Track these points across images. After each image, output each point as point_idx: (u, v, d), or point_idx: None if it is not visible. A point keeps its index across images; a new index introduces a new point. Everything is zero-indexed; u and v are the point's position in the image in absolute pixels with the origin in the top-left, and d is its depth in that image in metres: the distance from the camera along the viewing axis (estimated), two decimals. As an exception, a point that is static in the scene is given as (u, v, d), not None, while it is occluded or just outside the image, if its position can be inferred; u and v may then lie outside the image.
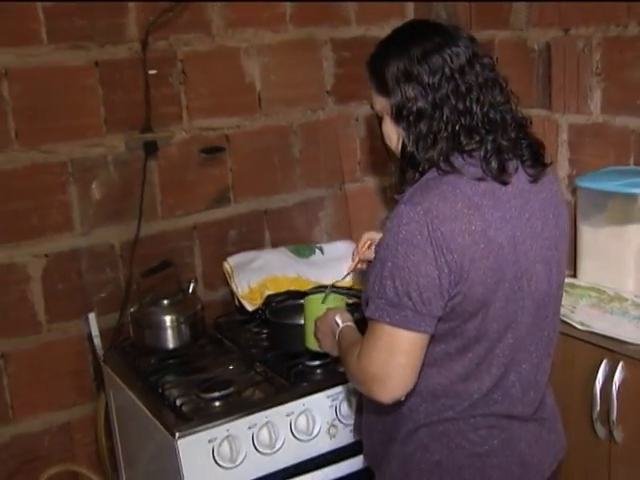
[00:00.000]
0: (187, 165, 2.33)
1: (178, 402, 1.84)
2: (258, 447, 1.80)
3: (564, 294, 2.05)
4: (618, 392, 1.81)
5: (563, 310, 1.97)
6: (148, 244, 2.29)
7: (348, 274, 1.98)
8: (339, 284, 2.03)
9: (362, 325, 1.45)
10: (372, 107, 1.53)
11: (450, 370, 1.41)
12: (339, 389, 1.91)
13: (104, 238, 2.24)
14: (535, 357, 1.47)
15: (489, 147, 1.37)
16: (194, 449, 1.74)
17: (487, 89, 1.40)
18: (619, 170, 2.13)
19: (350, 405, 1.91)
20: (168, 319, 2.11)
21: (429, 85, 1.38)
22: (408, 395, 1.40)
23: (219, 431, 1.76)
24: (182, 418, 1.79)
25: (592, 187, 2.08)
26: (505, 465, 1.46)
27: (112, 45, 2.16)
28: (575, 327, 1.91)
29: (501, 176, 1.37)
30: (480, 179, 1.37)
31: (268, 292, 2.24)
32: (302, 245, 2.47)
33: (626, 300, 2.02)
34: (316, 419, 1.88)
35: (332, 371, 1.94)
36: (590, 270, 2.15)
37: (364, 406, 1.63)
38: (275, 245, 2.49)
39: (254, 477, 1.81)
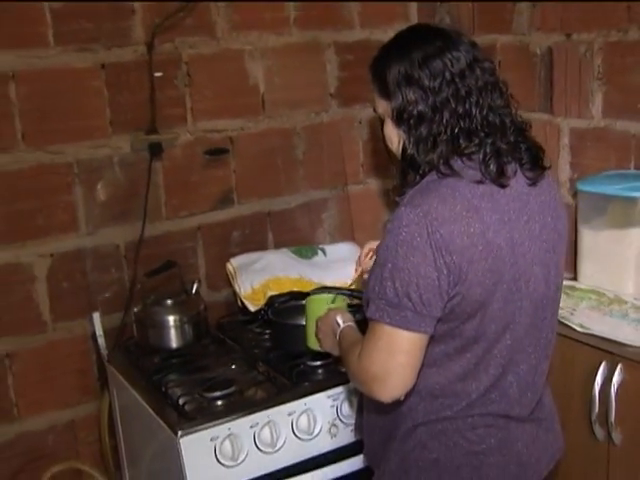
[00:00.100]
0: (191, 166, 2.35)
1: (181, 401, 1.86)
2: (260, 446, 1.82)
3: (564, 296, 2.08)
4: (617, 394, 1.82)
5: (563, 312, 1.99)
6: (152, 244, 2.31)
7: (351, 285, 1.99)
8: (341, 284, 2.05)
9: (364, 326, 1.47)
10: (374, 110, 1.54)
11: (449, 370, 1.43)
12: (340, 389, 1.92)
13: (109, 238, 2.26)
14: (533, 358, 1.49)
15: (488, 150, 1.39)
16: (196, 447, 1.76)
17: (487, 93, 1.41)
18: (619, 174, 2.14)
19: (351, 405, 1.92)
20: (171, 319, 2.14)
21: (429, 89, 1.40)
22: (407, 394, 1.42)
23: (221, 430, 1.78)
24: (185, 417, 1.81)
25: (593, 191, 2.10)
26: (502, 464, 1.47)
27: (118, 47, 2.18)
28: (574, 329, 1.93)
29: (500, 179, 1.39)
30: (479, 182, 1.38)
31: (270, 293, 2.25)
32: (304, 246, 2.49)
33: (626, 303, 2.04)
34: (317, 419, 1.89)
35: (333, 371, 1.95)
36: (590, 273, 2.17)
37: (364, 405, 1.64)
38: (278, 246, 2.51)
39: (255, 475, 1.82)
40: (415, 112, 1.41)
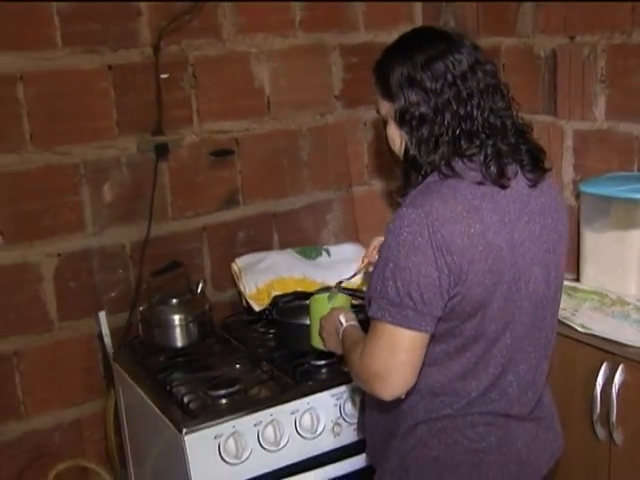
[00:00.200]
0: (197, 167, 2.37)
1: (185, 399, 1.88)
2: (263, 444, 1.83)
3: (567, 297, 2.09)
4: (618, 394, 1.83)
5: (565, 313, 2.00)
6: (158, 244, 2.32)
7: (355, 274, 2.01)
8: (345, 285, 2.06)
9: (367, 326, 1.48)
10: (377, 111, 1.56)
11: (449, 369, 1.45)
12: (343, 388, 1.94)
13: (115, 238, 2.28)
14: (533, 358, 1.50)
15: (489, 151, 1.40)
16: (200, 445, 1.78)
17: (488, 95, 1.43)
18: (622, 176, 2.15)
19: (354, 404, 1.94)
20: (177, 318, 2.15)
21: (431, 91, 1.41)
22: (408, 393, 1.43)
23: (225, 428, 1.80)
24: (189, 415, 1.83)
25: (595, 192, 2.11)
26: (502, 462, 1.48)
27: (125, 49, 2.20)
28: (576, 330, 1.94)
29: (500, 180, 1.40)
30: (480, 183, 1.40)
31: (275, 293, 2.27)
32: (309, 247, 2.50)
33: (628, 304, 2.04)
34: (320, 417, 1.90)
35: (337, 370, 1.96)
36: (593, 274, 2.17)
37: (367, 404, 1.66)
38: (283, 247, 2.52)
39: (259, 473, 1.84)
40: (417, 113, 1.42)
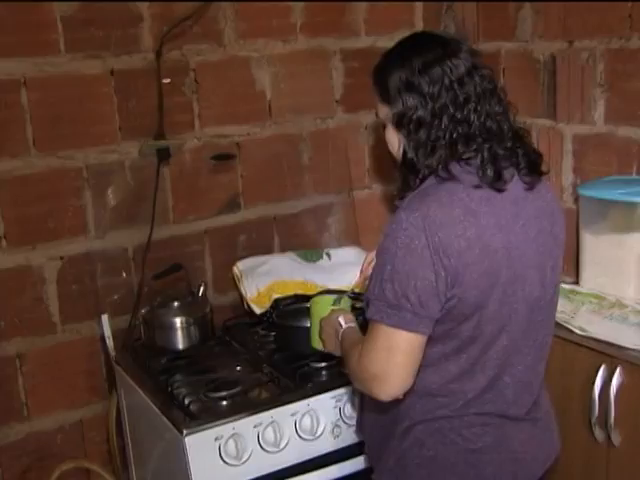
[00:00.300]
0: (199, 171, 2.38)
1: (186, 401, 1.89)
2: (263, 445, 1.84)
3: (566, 300, 2.10)
4: (616, 396, 1.84)
5: (563, 316, 2.01)
6: (160, 248, 2.33)
7: (352, 290, 2.02)
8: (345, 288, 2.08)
9: (366, 328, 1.48)
10: (377, 115, 1.58)
11: (446, 370, 1.46)
12: (343, 390, 1.95)
13: (117, 242, 2.30)
14: (529, 359, 1.51)
15: (485, 155, 1.42)
16: (201, 446, 1.79)
17: (485, 99, 1.44)
18: (621, 179, 2.16)
19: (354, 406, 1.94)
20: (178, 320, 2.16)
21: (429, 95, 1.43)
22: (406, 393, 1.45)
23: (226, 429, 1.81)
24: (190, 416, 1.84)
25: (594, 195, 2.11)
26: (498, 462, 1.50)
27: (127, 55, 2.22)
28: (574, 332, 1.95)
29: (497, 183, 1.42)
30: (477, 186, 1.41)
31: (276, 296, 2.28)
32: (309, 250, 2.51)
33: (626, 307, 2.05)
34: (320, 419, 1.91)
35: (337, 373, 1.97)
36: (592, 277, 2.18)
37: (365, 404, 1.67)
38: (284, 250, 2.53)
39: (259, 475, 1.85)
40: (415, 117, 1.44)
